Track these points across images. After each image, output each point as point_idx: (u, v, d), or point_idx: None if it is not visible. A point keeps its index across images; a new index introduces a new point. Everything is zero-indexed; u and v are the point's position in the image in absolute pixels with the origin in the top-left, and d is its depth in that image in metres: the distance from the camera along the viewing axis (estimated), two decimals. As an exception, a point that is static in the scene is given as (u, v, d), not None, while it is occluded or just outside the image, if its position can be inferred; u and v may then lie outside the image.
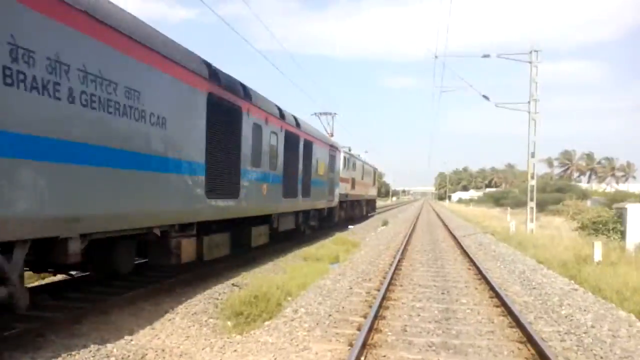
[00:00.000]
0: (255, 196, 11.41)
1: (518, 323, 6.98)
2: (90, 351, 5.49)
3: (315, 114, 27.52)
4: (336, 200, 22.18)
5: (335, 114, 27.83)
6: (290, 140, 14.21)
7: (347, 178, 25.57)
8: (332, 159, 21.27)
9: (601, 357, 5.85)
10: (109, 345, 5.71)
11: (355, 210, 30.04)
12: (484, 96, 23.01)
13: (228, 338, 6.47)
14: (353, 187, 27.54)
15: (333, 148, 21.70)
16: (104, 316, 6.85)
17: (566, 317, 7.74)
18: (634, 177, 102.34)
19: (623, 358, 5.84)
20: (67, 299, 7.53)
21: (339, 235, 19.58)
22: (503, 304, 8.19)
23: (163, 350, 5.83)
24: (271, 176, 12.47)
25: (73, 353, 5.41)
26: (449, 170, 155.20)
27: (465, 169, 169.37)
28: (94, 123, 5.91)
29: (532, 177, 21.90)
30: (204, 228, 9.20)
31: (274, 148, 12.76)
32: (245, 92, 10.62)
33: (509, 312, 7.65)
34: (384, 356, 5.75)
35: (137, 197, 6.84)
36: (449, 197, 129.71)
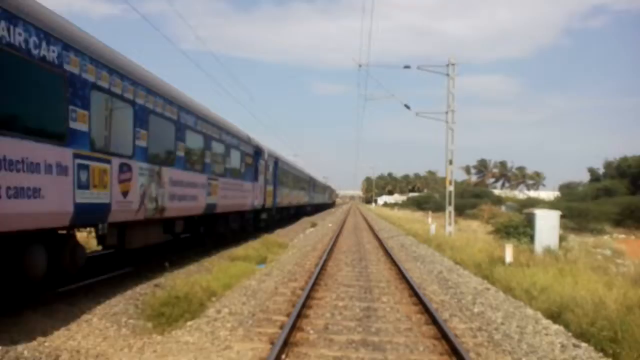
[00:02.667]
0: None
1: (434, 320, 7.31)
2: (-2, 354, 5.21)
3: None
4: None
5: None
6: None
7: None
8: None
9: (509, 352, 6.25)
10: (20, 347, 5.44)
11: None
12: (406, 105, 23.81)
13: (148, 339, 6.35)
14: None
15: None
16: (15, 317, 6.50)
17: (479, 314, 8.20)
18: (544, 185, 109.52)
19: (529, 353, 6.27)
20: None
21: (267, 237, 19.58)
22: (421, 302, 8.55)
23: (78, 352, 5.63)
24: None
25: (-23, 357, 5.11)
26: (375, 175, 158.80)
27: (390, 175, 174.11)
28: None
29: (450, 183, 22.89)
30: None
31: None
32: None
33: (426, 310, 8.00)
34: (305, 354, 5.86)
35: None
36: (375, 201, 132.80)
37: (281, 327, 6.73)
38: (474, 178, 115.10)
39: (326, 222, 36.33)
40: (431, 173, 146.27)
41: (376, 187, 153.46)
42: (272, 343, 6.04)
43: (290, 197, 31.53)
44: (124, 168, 8.61)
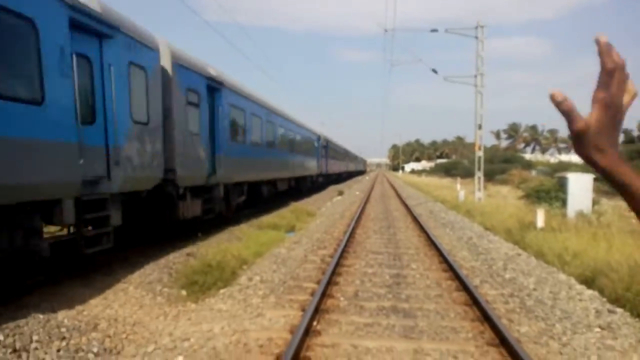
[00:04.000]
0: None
1: (465, 287, 7.29)
2: (40, 322, 5.40)
3: None
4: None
5: None
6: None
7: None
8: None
9: (542, 318, 6.20)
10: (60, 316, 5.63)
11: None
12: (433, 70, 23.30)
13: (182, 307, 6.51)
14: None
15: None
16: (55, 287, 6.73)
17: (510, 280, 8.13)
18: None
19: (563, 319, 6.21)
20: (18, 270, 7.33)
21: (295, 205, 19.69)
22: (451, 268, 8.51)
23: (116, 320, 5.81)
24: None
25: (21, 325, 5.30)
26: (402, 142, 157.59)
27: (417, 141, 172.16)
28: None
29: (480, 148, 22.51)
30: None
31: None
32: None
33: (457, 277, 7.97)
34: (336, 320, 5.92)
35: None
36: (402, 168, 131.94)
37: (312, 294, 6.80)
38: (504, 143, 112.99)
39: (353, 190, 36.31)
40: (459, 139, 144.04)
41: (403, 154, 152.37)
42: (303, 310, 6.12)
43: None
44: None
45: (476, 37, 22.37)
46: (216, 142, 12.44)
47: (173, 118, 9.77)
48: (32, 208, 6.07)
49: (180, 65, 10.18)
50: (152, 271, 7.89)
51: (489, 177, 36.25)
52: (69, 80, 6.42)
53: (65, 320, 5.51)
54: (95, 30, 7.10)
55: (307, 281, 7.74)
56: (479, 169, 22.52)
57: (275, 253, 10.02)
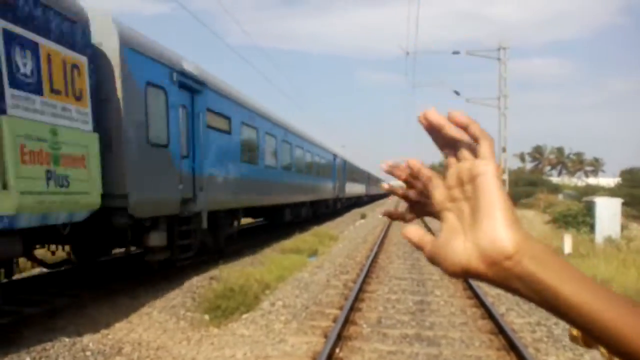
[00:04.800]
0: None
1: (490, 315, 7.16)
2: (66, 345, 5.48)
3: None
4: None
5: None
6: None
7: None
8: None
9: (570, 348, 6.05)
10: (85, 339, 5.71)
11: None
12: (455, 92, 23.38)
13: (205, 331, 6.52)
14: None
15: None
16: (80, 310, 6.83)
17: (537, 308, 7.93)
18: (603, 172, 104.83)
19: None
20: (43, 293, 7.48)
21: (317, 229, 19.68)
22: (476, 295, 8.38)
23: (139, 344, 5.85)
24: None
25: (47, 347, 5.39)
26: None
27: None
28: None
29: (504, 172, 22.31)
30: None
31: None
32: None
33: (482, 304, 7.84)
34: (359, 348, 5.86)
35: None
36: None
37: (334, 321, 6.76)
38: (528, 165, 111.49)
39: (376, 213, 36.16)
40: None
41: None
42: (325, 337, 6.08)
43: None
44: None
45: (498, 59, 22.36)
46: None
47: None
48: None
49: (340, 158, 22.25)
50: (176, 295, 7.95)
51: (514, 201, 35.59)
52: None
53: (91, 344, 5.58)
54: (336, 157, 15.45)
55: (329, 307, 7.70)
56: (504, 193, 22.27)
57: (298, 277, 10.01)
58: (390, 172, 1.20)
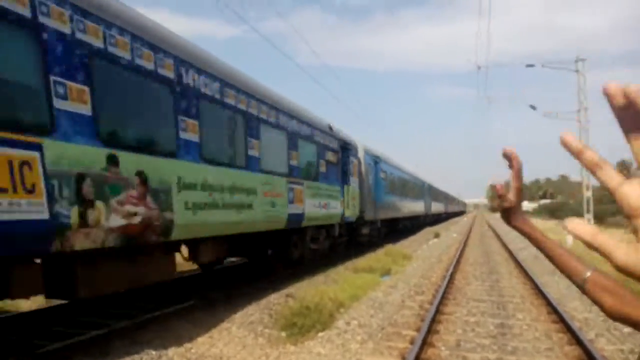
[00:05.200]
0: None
1: (578, 340, 6.76)
2: (152, 358, 5.73)
3: None
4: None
5: None
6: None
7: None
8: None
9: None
10: (170, 352, 5.95)
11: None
12: (531, 106, 22.52)
13: (283, 348, 6.60)
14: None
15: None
16: (165, 324, 7.13)
17: (630, 335, 7.42)
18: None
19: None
20: (130, 307, 7.88)
21: (389, 248, 19.48)
22: (561, 319, 7.95)
23: (221, 359, 6.02)
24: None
25: (136, 359, 5.66)
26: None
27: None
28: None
29: (588, 189, 21.15)
30: None
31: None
32: None
33: (568, 329, 7.42)
34: (439, 371, 5.72)
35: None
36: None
37: (411, 342, 6.63)
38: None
39: (450, 232, 35.29)
40: (564, 177, 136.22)
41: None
42: (403, 358, 5.98)
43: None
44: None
45: (577, 71, 21.40)
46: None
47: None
48: None
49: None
50: (254, 311, 8.11)
51: (600, 219, 33.73)
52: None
53: (175, 357, 5.80)
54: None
55: (405, 328, 7.58)
56: (588, 211, 21.11)
57: (372, 297, 9.92)
58: (509, 158, 1.30)
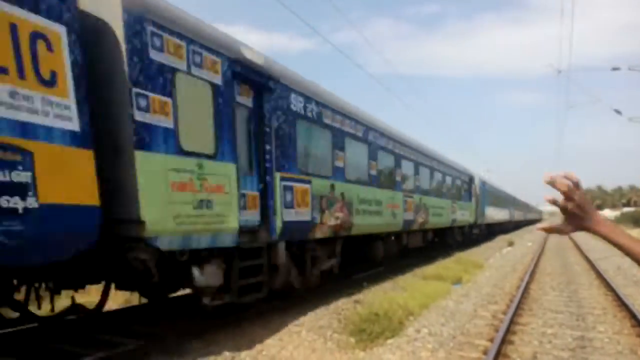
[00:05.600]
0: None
1: (667, 357, 6.33)
2: (226, 359, 5.92)
3: None
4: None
5: None
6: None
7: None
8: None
9: None
10: (243, 354, 6.12)
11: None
12: (616, 111, 21.33)
13: (352, 354, 6.61)
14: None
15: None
16: (237, 327, 7.34)
17: None
18: None
19: None
20: (204, 310, 8.16)
21: (460, 255, 19.02)
22: (648, 334, 7.47)
23: (291, 362, 6.12)
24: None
25: (211, 359, 5.87)
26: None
27: (599, 187, 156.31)
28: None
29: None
30: None
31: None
32: None
33: (656, 344, 6.96)
34: (513, 382, 5.53)
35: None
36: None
37: (485, 353, 6.46)
38: None
39: (524, 240, 33.95)
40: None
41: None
42: (475, 368, 5.83)
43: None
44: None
45: (668, 72, 20.07)
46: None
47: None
48: None
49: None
50: (323, 315, 8.18)
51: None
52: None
53: (248, 359, 5.96)
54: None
55: (478, 338, 7.38)
56: (678, 220, 19.66)
57: (442, 305, 9.73)
58: (552, 184, 1.46)
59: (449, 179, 20.64)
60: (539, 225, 1.59)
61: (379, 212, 12.30)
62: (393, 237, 14.35)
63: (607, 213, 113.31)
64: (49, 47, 4.34)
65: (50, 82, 4.34)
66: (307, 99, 8.90)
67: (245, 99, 7.20)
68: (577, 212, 1.44)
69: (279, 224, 7.64)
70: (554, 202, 1.46)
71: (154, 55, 5.43)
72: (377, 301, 8.81)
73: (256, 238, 7.19)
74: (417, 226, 15.63)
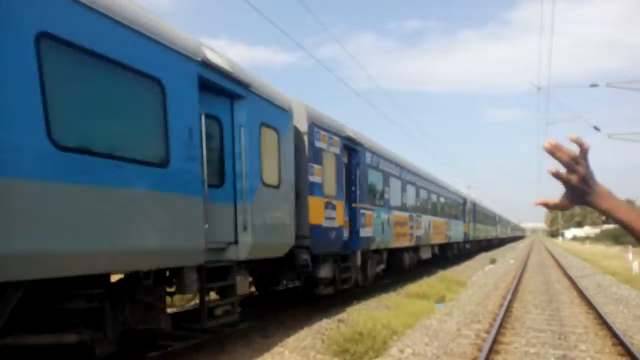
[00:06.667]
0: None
1: (648, 376, 6.38)
2: (208, 380, 5.82)
3: None
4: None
5: None
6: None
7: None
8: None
9: None
10: (225, 376, 6.03)
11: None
12: (595, 127, 21.76)
13: (335, 375, 6.55)
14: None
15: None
16: (219, 347, 7.25)
17: None
18: None
19: None
20: (184, 329, 8.04)
21: (443, 273, 19.06)
22: (628, 352, 7.53)
23: (274, 384, 6.04)
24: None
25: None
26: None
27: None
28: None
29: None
30: None
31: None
32: None
33: (637, 363, 7.02)
34: (497, 403, 5.52)
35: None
36: (562, 235, 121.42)
37: (468, 372, 6.45)
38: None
39: (507, 258, 34.17)
40: (630, 202, 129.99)
41: (563, 218, 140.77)
42: (459, 389, 5.82)
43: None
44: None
45: (644, 92, 20.57)
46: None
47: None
48: None
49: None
50: (306, 336, 8.11)
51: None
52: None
53: (230, 381, 5.87)
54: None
55: (462, 357, 7.37)
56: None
57: (426, 324, 9.73)
58: (552, 153, 1.32)
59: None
60: (538, 199, 1.43)
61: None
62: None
63: (588, 229, 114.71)
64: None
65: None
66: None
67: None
68: (580, 187, 1.27)
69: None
70: (556, 175, 1.30)
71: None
72: (361, 321, 8.77)
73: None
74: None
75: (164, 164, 5.39)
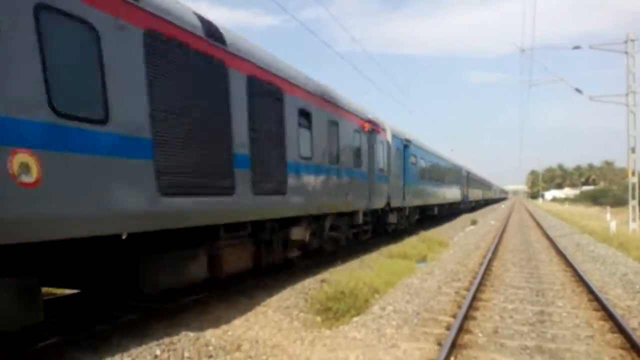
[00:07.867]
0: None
1: (620, 328, 6.58)
2: (190, 340, 5.84)
3: None
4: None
5: None
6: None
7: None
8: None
9: None
10: (208, 335, 6.07)
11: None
12: (577, 89, 21.79)
13: (318, 332, 6.66)
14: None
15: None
16: (203, 307, 7.29)
17: (676, 324, 7.18)
18: None
19: None
20: (171, 291, 8.06)
21: (425, 234, 19.32)
22: (603, 307, 7.75)
23: (257, 342, 6.11)
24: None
25: (174, 341, 5.78)
26: (541, 168, 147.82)
27: (559, 166, 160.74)
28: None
29: (634, 174, 20.42)
30: None
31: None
32: None
33: (610, 316, 7.23)
34: (475, 357, 5.67)
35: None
36: (542, 196, 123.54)
37: (448, 328, 6.59)
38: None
39: (488, 219, 34.74)
40: (608, 163, 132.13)
41: (543, 180, 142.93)
42: (439, 344, 5.95)
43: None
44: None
45: (626, 52, 20.60)
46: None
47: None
48: None
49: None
50: (289, 296, 8.19)
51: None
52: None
53: (213, 339, 5.92)
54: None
55: (442, 314, 7.53)
56: (633, 197, 20.41)
57: (407, 283, 9.88)
58: None
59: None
60: None
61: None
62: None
63: (567, 191, 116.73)
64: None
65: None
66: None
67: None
68: None
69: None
70: None
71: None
72: (343, 280, 8.86)
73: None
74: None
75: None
